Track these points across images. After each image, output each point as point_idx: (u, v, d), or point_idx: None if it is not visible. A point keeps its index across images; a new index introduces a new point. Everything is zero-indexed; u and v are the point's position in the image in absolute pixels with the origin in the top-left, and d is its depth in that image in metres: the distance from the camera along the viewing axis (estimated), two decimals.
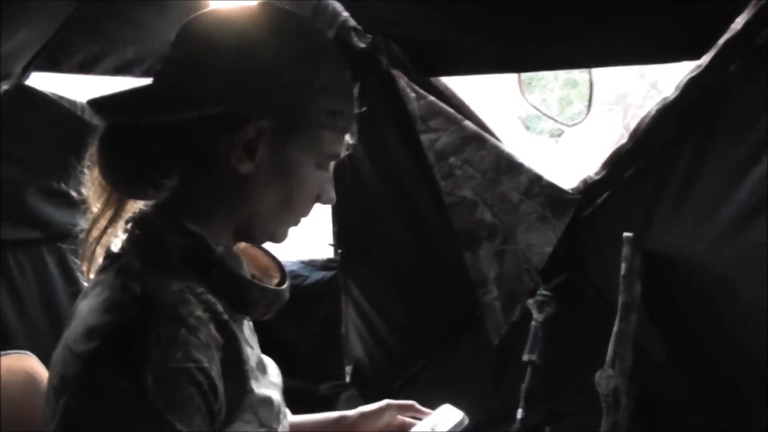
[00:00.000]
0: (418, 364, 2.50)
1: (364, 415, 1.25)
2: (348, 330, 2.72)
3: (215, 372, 0.83)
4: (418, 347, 2.50)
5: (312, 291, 2.64)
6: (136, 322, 0.81)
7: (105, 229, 0.97)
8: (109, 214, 0.97)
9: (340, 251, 2.68)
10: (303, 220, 1.03)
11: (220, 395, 0.84)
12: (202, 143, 0.92)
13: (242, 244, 1.07)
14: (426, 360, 2.48)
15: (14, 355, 1.18)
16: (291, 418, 1.27)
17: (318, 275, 2.68)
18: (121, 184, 0.94)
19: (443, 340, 2.43)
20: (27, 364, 1.18)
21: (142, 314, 0.82)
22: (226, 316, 0.89)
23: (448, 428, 1.20)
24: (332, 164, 1.02)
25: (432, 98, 2.22)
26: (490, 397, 2.29)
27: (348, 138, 1.02)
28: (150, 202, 0.96)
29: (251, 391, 0.90)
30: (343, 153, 1.02)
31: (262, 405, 0.92)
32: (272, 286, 1.01)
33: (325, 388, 2.66)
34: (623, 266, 1.90)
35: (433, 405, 2.29)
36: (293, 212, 0.99)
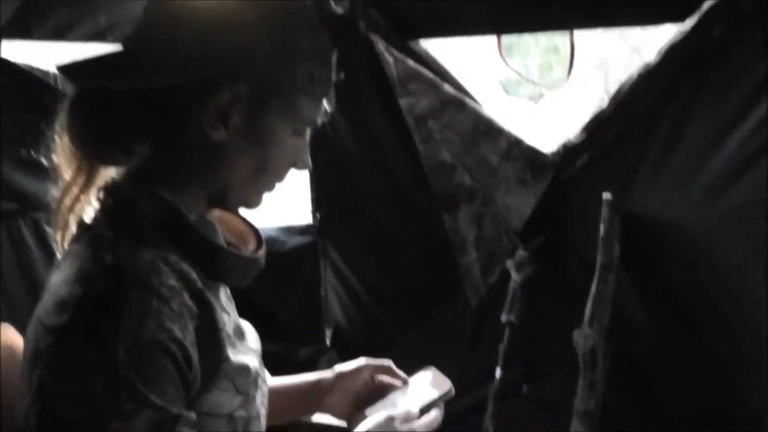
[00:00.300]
0: (397, 326, 2.51)
1: (340, 376, 1.22)
2: (327, 294, 2.72)
3: (189, 341, 0.82)
4: (397, 310, 2.51)
5: (291, 256, 2.63)
6: (107, 293, 0.80)
7: (77, 197, 0.94)
8: (80, 181, 0.94)
9: (318, 216, 2.68)
10: (278, 186, 1.02)
11: (194, 365, 0.83)
12: (173, 109, 0.90)
13: (217, 211, 1.05)
14: (405, 322, 2.50)
15: None
16: (270, 381, 1.27)
17: (297, 240, 2.67)
18: (90, 150, 0.92)
19: (422, 302, 2.45)
20: (5, 335, 1.16)
21: (113, 285, 0.80)
22: (200, 285, 0.88)
23: (432, 398, 1.14)
24: (309, 131, 1.00)
25: (411, 62, 2.21)
26: (469, 358, 2.31)
27: (326, 105, 0.99)
28: (122, 171, 0.95)
29: (227, 359, 0.89)
30: (321, 120, 1.00)
31: (239, 373, 0.91)
32: (247, 253, 1.00)
33: (305, 352, 2.66)
34: (602, 227, 1.91)
35: (413, 367, 2.30)
36: (268, 179, 0.97)
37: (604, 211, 1.91)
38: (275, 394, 1.21)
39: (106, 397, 0.75)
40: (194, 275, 0.88)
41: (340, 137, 2.46)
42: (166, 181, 0.91)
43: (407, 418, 1.08)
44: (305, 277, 2.68)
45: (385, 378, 1.22)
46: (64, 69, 0.91)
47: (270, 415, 1.08)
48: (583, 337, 1.91)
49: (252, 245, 1.05)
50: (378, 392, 1.20)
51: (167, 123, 0.91)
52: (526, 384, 2.18)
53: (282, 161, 0.97)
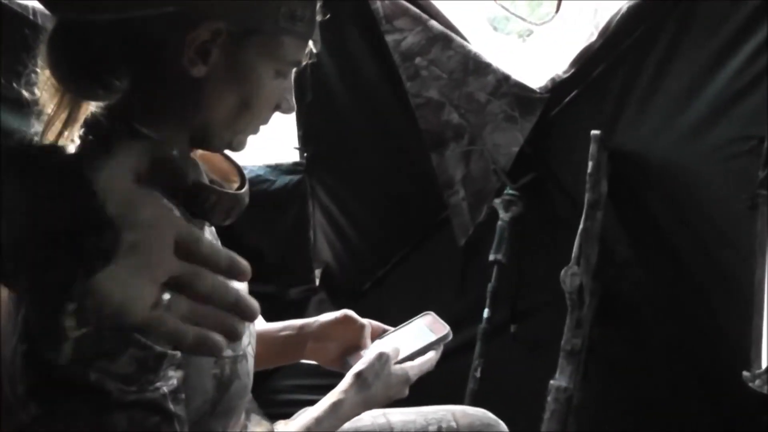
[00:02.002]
0: (386, 266, 2.52)
1: (324, 323, 1.24)
2: (316, 234, 2.72)
3: None
4: (385, 249, 2.51)
5: (279, 195, 2.62)
6: None
7: (60, 132, 0.94)
8: (63, 116, 0.93)
9: (306, 155, 2.66)
10: (262, 128, 1.01)
11: None
12: (152, 43, 0.88)
13: (200, 150, 1.04)
14: (393, 262, 2.50)
15: None
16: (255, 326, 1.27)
17: (284, 179, 2.65)
18: (69, 83, 0.91)
19: (410, 241, 2.45)
20: None
21: None
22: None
23: (428, 341, 1.16)
24: (293, 72, 0.99)
25: None
26: (456, 298, 2.33)
27: (311, 45, 0.98)
28: (103, 106, 0.93)
29: None
30: (305, 61, 0.98)
31: None
32: (231, 191, 0.99)
33: (294, 293, 2.67)
34: (590, 164, 1.91)
35: (401, 306, 2.32)
36: (251, 120, 0.97)
37: (592, 148, 1.91)
38: (259, 339, 1.22)
39: (91, 336, 0.75)
40: (176, 212, 0.88)
41: (326, 75, 2.43)
42: (146, 117, 0.91)
43: (399, 357, 1.11)
44: (293, 216, 2.67)
45: (379, 324, 1.24)
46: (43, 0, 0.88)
47: (255, 360, 1.09)
48: (569, 276, 1.92)
49: (236, 183, 1.05)
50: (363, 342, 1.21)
51: (146, 57, 0.89)
52: (514, 324, 2.20)
53: (264, 102, 0.96)
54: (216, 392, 0.91)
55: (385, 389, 1.08)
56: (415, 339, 1.17)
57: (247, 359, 0.99)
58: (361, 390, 1.07)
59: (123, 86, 0.91)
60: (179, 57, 0.88)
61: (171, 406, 0.79)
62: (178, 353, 0.82)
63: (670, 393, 2.00)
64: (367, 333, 1.21)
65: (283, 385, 2.02)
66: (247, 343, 1.00)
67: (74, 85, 0.91)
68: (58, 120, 0.94)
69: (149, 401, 0.77)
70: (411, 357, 1.13)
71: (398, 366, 1.10)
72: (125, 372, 0.76)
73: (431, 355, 1.13)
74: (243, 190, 1.01)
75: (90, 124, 0.91)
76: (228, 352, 0.92)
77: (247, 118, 0.96)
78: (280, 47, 0.92)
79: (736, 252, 1.76)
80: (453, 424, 1.26)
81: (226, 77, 0.91)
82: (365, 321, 1.23)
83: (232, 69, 0.91)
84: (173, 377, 0.81)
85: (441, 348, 1.16)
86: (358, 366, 1.09)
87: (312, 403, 1.11)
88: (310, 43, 0.98)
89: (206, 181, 0.97)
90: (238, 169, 1.08)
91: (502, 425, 1.32)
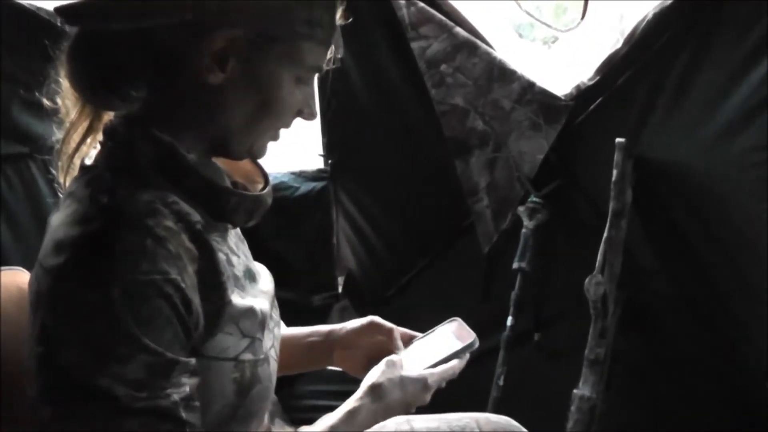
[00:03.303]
0: (409, 273, 2.52)
1: (351, 330, 1.23)
2: (339, 241, 2.73)
3: (188, 284, 0.83)
4: (409, 257, 2.52)
5: (303, 202, 2.63)
6: (101, 233, 0.81)
7: (82, 140, 0.96)
8: (84, 124, 0.96)
9: (330, 162, 2.67)
10: (284, 134, 1.01)
11: (194, 308, 0.84)
12: (170, 52, 0.89)
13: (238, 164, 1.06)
14: (417, 269, 2.50)
15: (7, 272, 1.17)
16: (282, 330, 1.27)
17: (309, 186, 2.67)
18: (87, 93, 0.92)
19: (434, 249, 2.45)
20: (20, 280, 1.17)
21: (108, 226, 0.81)
22: (200, 227, 0.89)
23: (454, 349, 1.14)
24: (314, 78, 0.99)
25: (422, 4, 2.17)
26: (480, 305, 2.32)
27: (333, 50, 0.98)
28: (122, 114, 0.95)
29: (229, 302, 0.89)
30: (327, 66, 0.99)
31: (244, 315, 0.92)
32: (251, 192, 1.00)
33: (317, 300, 2.68)
34: (614, 172, 1.89)
35: (424, 313, 2.32)
36: (270, 126, 0.97)
37: (617, 156, 1.89)
38: (285, 343, 1.22)
39: (101, 340, 0.76)
40: (195, 216, 0.89)
41: (351, 82, 2.44)
42: (165, 123, 0.91)
43: (425, 365, 1.10)
44: (317, 223, 2.68)
45: (404, 330, 1.22)
46: (62, 10, 0.90)
47: (280, 364, 1.09)
48: (594, 285, 1.91)
49: (260, 185, 1.05)
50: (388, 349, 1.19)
51: (164, 66, 0.90)
52: (537, 332, 2.19)
53: (283, 108, 0.96)
54: (236, 396, 0.91)
55: (401, 396, 1.06)
56: (441, 346, 1.15)
57: (269, 362, 0.99)
58: (376, 398, 1.05)
59: (141, 95, 0.93)
60: (196, 65, 0.89)
61: (183, 414, 0.80)
62: (193, 361, 0.83)
63: (694, 403, 1.98)
64: (397, 337, 1.20)
65: (306, 390, 2.02)
66: (270, 346, 1.00)
67: (91, 94, 0.93)
68: (78, 128, 0.96)
69: (160, 408, 0.78)
70: (436, 365, 1.11)
71: (416, 373, 1.08)
72: (135, 377, 0.76)
73: (454, 363, 1.12)
74: (265, 191, 1.02)
75: (110, 133, 0.93)
76: (248, 356, 0.92)
77: (266, 125, 0.96)
78: (299, 53, 0.92)
79: (760, 261, 1.74)
80: (477, 431, 1.26)
81: (244, 84, 0.91)
82: (395, 327, 1.22)
83: (250, 76, 0.91)
84: (186, 384, 0.81)
85: (467, 356, 1.14)
86: (373, 374, 1.08)
87: (335, 408, 1.11)
88: (332, 48, 0.98)
89: (227, 183, 0.98)
90: (262, 171, 1.09)
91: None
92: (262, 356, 0.95)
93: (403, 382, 1.06)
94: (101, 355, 0.76)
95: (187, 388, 0.81)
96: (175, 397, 0.79)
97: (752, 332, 1.81)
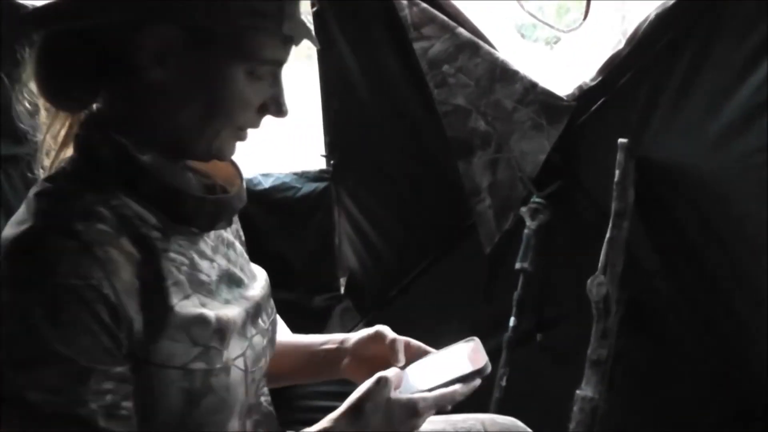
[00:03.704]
0: (411, 274, 2.52)
1: (358, 342, 1.17)
2: (341, 241, 2.73)
3: (118, 289, 0.81)
4: (411, 257, 2.51)
5: (305, 203, 2.63)
6: (27, 236, 0.81)
7: (63, 143, 0.97)
8: (58, 126, 0.97)
9: (332, 162, 2.67)
10: (252, 133, 0.99)
11: (125, 313, 0.82)
12: (114, 52, 0.89)
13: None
14: (419, 270, 2.50)
15: None
16: (289, 337, 1.25)
17: (311, 187, 2.66)
18: (47, 97, 0.93)
19: (436, 249, 2.45)
20: None
21: (34, 229, 0.81)
22: (145, 230, 0.88)
23: (461, 373, 1.03)
24: (275, 71, 0.95)
25: (425, 5, 2.17)
26: (482, 306, 2.32)
27: (296, 41, 0.94)
28: (87, 117, 0.95)
29: (172, 308, 0.86)
30: (287, 58, 0.95)
31: (194, 323, 0.88)
32: (215, 195, 0.98)
33: (319, 300, 2.68)
34: (617, 173, 1.89)
35: (427, 314, 2.32)
36: (225, 125, 0.93)
37: (619, 157, 1.89)
38: (296, 351, 1.21)
39: (14, 344, 0.76)
40: (151, 220, 0.88)
41: (352, 82, 2.44)
42: (121, 125, 0.91)
43: (427, 387, 1.01)
44: (319, 224, 2.68)
45: (417, 344, 1.14)
46: (24, 17, 0.91)
47: (288, 373, 1.08)
48: (596, 285, 1.90)
49: (237, 187, 1.03)
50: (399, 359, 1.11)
51: (111, 67, 0.90)
52: (540, 332, 2.19)
53: (237, 105, 0.93)
54: (185, 406, 0.87)
55: (384, 421, 0.94)
56: (449, 367, 1.05)
57: (230, 373, 0.93)
58: (355, 420, 0.94)
59: (91, 96, 0.93)
60: (139, 64, 0.88)
61: (102, 422, 0.78)
62: (118, 368, 0.81)
63: (697, 403, 1.98)
64: (398, 349, 1.10)
65: (307, 390, 2.02)
66: (238, 356, 0.95)
67: (52, 99, 0.93)
68: (56, 130, 0.97)
69: (76, 416, 0.77)
70: (437, 388, 1.01)
71: (406, 396, 0.97)
72: (51, 383, 0.76)
73: (455, 388, 0.99)
74: (231, 195, 0.99)
75: (74, 136, 0.94)
76: (200, 365, 0.88)
77: (219, 123, 0.93)
78: (246, 46, 0.89)
79: (762, 261, 1.74)
80: None
81: (189, 81, 0.90)
82: (399, 338, 1.13)
83: (195, 72, 0.89)
84: (109, 392, 0.79)
85: (476, 381, 1.03)
86: (357, 392, 0.97)
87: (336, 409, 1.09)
88: (293, 38, 0.94)
89: (190, 186, 0.97)
90: (239, 172, 1.06)
91: None
92: (218, 366, 0.90)
93: (389, 405, 0.95)
94: (15, 360, 0.76)
95: (110, 397, 0.79)
96: (93, 405, 0.78)
97: (754, 332, 1.80)
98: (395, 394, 0.96)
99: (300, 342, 1.24)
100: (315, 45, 0.98)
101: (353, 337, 1.18)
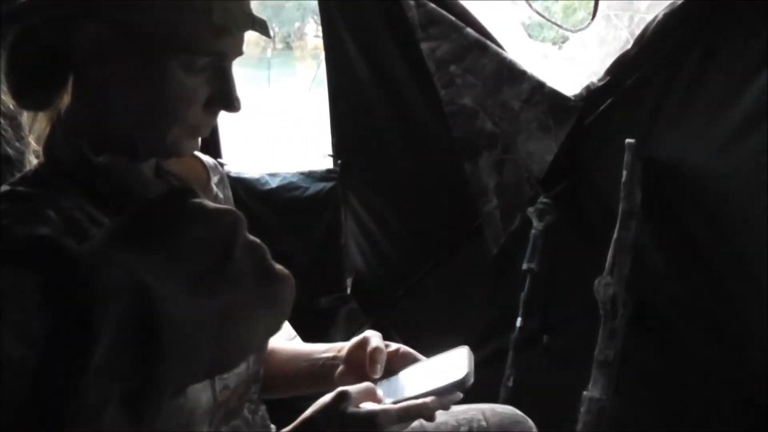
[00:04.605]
0: (417, 274, 2.52)
1: (349, 349, 1.15)
2: (348, 242, 2.73)
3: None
4: (417, 258, 2.51)
5: (311, 203, 2.63)
6: None
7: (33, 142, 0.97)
8: (38, 126, 0.96)
9: (339, 162, 2.67)
10: (205, 130, 0.96)
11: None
12: (56, 51, 0.89)
13: (183, 161, 1.04)
14: (425, 270, 2.50)
15: None
16: (290, 345, 1.25)
17: (317, 187, 2.66)
18: (9, 94, 0.92)
19: (443, 250, 2.45)
20: None
21: None
22: (92, 234, 0.86)
23: (437, 385, 0.97)
24: (224, 63, 0.92)
25: (432, 5, 2.17)
26: (489, 307, 2.32)
27: (235, 31, 0.91)
28: (55, 119, 0.95)
29: None
30: (233, 49, 0.92)
31: None
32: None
33: (325, 301, 2.68)
34: (624, 173, 1.89)
35: (433, 314, 2.32)
36: (173, 122, 0.91)
37: (627, 157, 1.89)
38: (292, 359, 1.20)
39: None
40: (105, 223, 0.88)
41: (359, 82, 2.44)
42: (79, 126, 0.92)
43: (401, 396, 0.98)
44: (326, 224, 2.68)
45: (407, 350, 1.13)
46: None
47: (286, 381, 1.07)
48: (603, 286, 1.90)
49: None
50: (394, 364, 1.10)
51: (56, 66, 0.90)
52: (546, 333, 2.19)
53: (180, 101, 0.91)
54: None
55: None
56: (430, 378, 1.01)
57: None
58: None
59: (44, 95, 0.92)
60: (78, 62, 0.88)
61: None
62: None
63: (704, 405, 1.97)
64: (377, 360, 1.07)
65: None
66: None
67: (15, 99, 0.92)
68: (34, 128, 0.97)
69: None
70: (410, 399, 0.97)
71: (365, 410, 0.93)
72: None
73: (427, 401, 0.95)
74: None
75: (43, 138, 0.94)
76: None
77: (165, 120, 0.91)
78: (175, 40, 0.87)
79: None
80: (483, 423, 1.25)
81: (127, 78, 0.89)
82: (383, 348, 1.10)
83: (131, 69, 0.88)
84: None
85: (456, 395, 0.98)
86: (312, 406, 0.95)
87: None
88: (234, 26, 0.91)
89: (151, 188, 0.95)
90: (208, 175, 1.07)
91: (530, 422, 1.31)
92: None
93: (344, 419, 0.91)
94: None
95: None
96: None
97: (761, 334, 1.80)
98: (353, 409, 0.93)
99: (300, 350, 1.23)
100: (265, 35, 0.95)
101: (348, 344, 1.16)
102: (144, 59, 0.88)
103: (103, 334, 0.39)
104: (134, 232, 0.48)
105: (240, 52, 0.94)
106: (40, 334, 0.38)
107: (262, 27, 0.93)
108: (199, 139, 0.97)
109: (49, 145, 0.92)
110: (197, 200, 0.50)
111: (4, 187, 0.89)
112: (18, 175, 0.94)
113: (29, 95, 0.92)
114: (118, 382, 0.41)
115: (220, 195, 1.12)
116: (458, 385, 0.97)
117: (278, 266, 0.53)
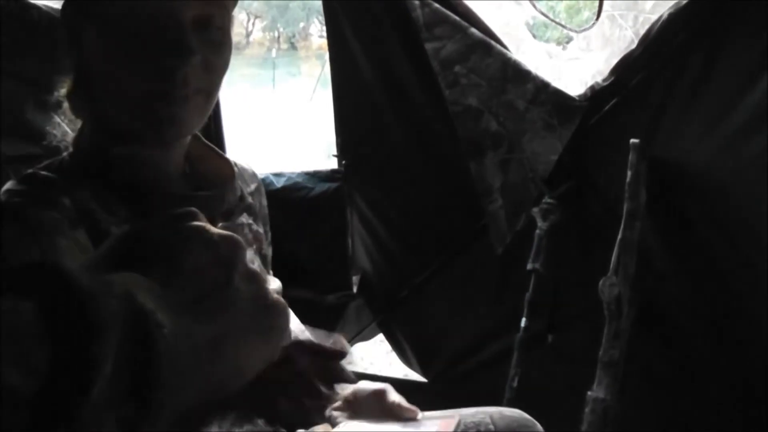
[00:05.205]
0: (423, 274, 2.52)
1: (358, 393, 1.18)
2: (354, 241, 2.73)
3: None
4: (423, 257, 2.52)
5: (317, 203, 2.63)
6: None
7: None
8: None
9: (344, 162, 2.67)
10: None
11: None
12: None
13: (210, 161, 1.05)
14: (431, 270, 2.50)
15: None
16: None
17: (323, 187, 2.67)
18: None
19: (448, 249, 2.45)
20: None
21: None
22: (106, 224, 0.88)
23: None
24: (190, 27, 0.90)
25: (437, 5, 2.17)
26: (494, 306, 2.32)
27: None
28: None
29: None
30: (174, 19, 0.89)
31: None
32: (180, 192, 0.98)
33: (332, 299, 2.68)
34: (629, 173, 1.89)
35: (438, 313, 2.32)
36: (128, 93, 0.90)
37: (632, 157, 1.89)
38: None
39: None
40: (119, 213, 0.90)
41: (364, 82, 2.44)
42: (100, 120, 0.95)
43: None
44: (332, 223, 2.68)
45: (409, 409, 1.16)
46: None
47: None
48: (608, 286, 1.90)
49: (219, 188, 1.03)
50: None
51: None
52: (551, 333, 2.19)
53: (118, 70, 0.90)
54: None
55: None
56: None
57: None
58: None
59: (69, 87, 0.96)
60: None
61: None
62: None
63: (709, 405, 1.97)
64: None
65: None
66: None
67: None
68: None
69: None
70: None
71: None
72: None
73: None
74: (204, 193, 0.99)
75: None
76: None
77: (124, 91, 0.91)
78: (106, 15, 0.88)
79: None
80: (491, 427, 1.25)
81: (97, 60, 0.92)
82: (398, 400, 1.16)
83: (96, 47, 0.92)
84: None
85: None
86: None
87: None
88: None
89: (168, 181, 0.98)
90: (233, 174, 1.08)
91: (539, 426, 1.31)
92: None
93: None
94: None
95: None
96: None
97: (767, 333, 1.80)
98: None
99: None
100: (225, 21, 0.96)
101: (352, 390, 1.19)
102: (85, 35, 0.90)
103: (103, 364, 0.39)
104: (132, 254, 0.48)
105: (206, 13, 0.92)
106: (40, 364, 0.38)
107: None
108: (196, 118, 0.96)
109: (77, 138, 0.94)
110: (198, 224, 0.50)
111: (32, 169, 0.91)
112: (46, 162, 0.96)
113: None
114: (115, 408, 0.40)
115: (250, 201, 1.11)
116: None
117: (275, 296, 0.53)
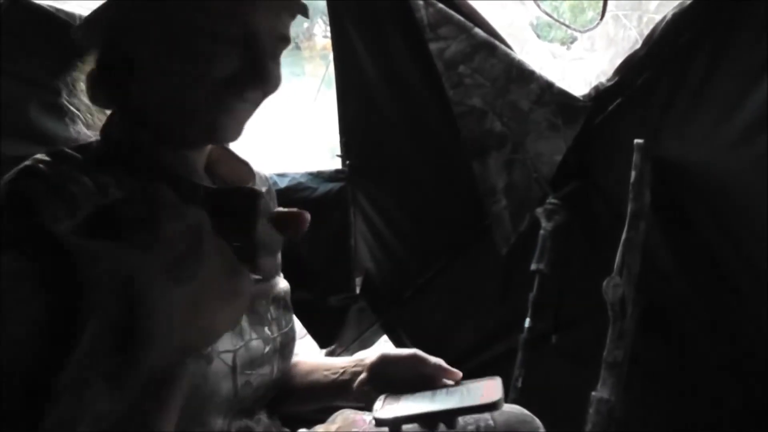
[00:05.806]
0: (427, 274, 2.52)
1: (385, 358, 1.16)
2: (357, 242, 2.73)
3: None
4: (426, 258, 2.51)
5: (320, 203, 2.63)
6: (4, 184, 0.85)
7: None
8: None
9: (348, 162, 2.67)
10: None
11: None
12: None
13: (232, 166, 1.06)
14: (435, 271, 2.50)
15: None
16: (318, 358, 1.27)
17: (326, 187, 2.67)
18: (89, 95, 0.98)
19: (452, 250, 2.45)
20: None
21: (10, 180, 0.85)
22: None
23: (464, 404, 1.02)
24: (259, 36, 0.92)
25: (441, 5, 2.17)
26: (498, 307, 2.32)
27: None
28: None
29: None
30: (261, 20, 0.91)
31: None
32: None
33: (335, 300, 2.68)
34: (633, 174, 1.89)
35: (442, 314, 2.32)
36: (208, 102, 0.92)
37: (636, 158, 1.89)
38: (319, 368, 1.21)
39: None
40: None
41: (368, 82, 2.44)
42: (132, 112, 0.95)
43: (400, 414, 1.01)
44: (335, 224, 2.68)
45: (440, 370, 1.15)
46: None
47: (311, 389, 1.09)
48: (612, 287, 1.90)
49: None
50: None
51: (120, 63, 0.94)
52: (555, 334, 2.18)
53: (204, 75, 0.92)
54: None
55: None
56: (453, 399, 1.04)
57: (211, 362, 0.93)
58: None
59: (108, 91, 0.97)
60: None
61: None
62: None
63: (714, 406, 1.97)
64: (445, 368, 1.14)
65: None
66: (227, 350, 0.96)
67: (90, 96, 0.98)
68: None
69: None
70: (412, 419, 1.00)
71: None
72: None
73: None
74: (230, 187, 1.01)
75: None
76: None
77: (199, 97, 0.92)
78: (199, 9, 0.88)
79: None
80: (491, 422, 1.25)
81: (159, 60, 0.93)
82: (438, 360, 1.15)
83: (162, 49, 0.92)
84: None
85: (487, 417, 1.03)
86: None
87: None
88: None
89: (195, 176, 0.98)
90: (253, 179, 1.10)
91: (537, 422, 1.31)
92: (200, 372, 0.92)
93: None
94: None
95: None
96: None
97: None
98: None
99: (325, 361, 1.26)
100: (304, 16, 0.97)
101: (373, 355, 1.17)
102: (172, 38, 0.89)
103: (90, 322, 0.42)
104: (116, 223, 0.52)
105: (280, 32, 0.95)
106: (37, 318, 0.41)
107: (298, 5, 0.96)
108: (243, 127, 0.99)
109: (105, 127, 0.96)
110: (170, 196, 0.55)
111: (59, 148, 0.92)
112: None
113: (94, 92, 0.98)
114: (100, 364, 0.43)
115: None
116: (487, 406, 1.00)
117: (239, 264, 0.57)
